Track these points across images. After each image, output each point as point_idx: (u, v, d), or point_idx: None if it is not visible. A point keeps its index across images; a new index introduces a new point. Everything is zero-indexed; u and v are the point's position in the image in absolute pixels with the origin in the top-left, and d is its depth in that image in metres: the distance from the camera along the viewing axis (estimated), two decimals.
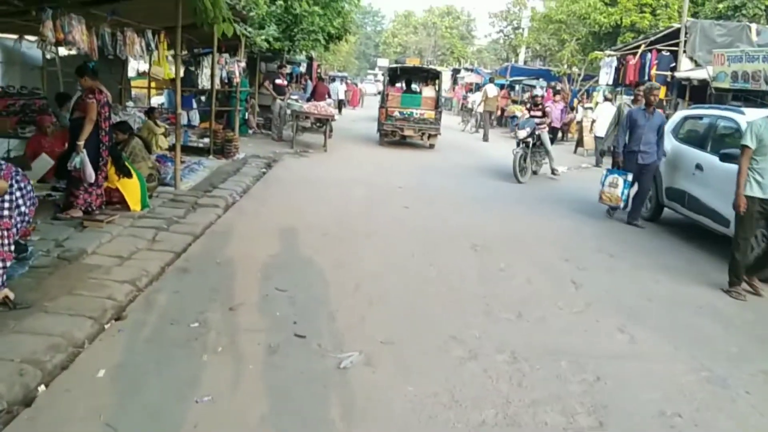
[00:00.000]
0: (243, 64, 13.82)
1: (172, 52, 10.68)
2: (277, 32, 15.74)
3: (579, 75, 26.54)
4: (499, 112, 23.64)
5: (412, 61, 21.53)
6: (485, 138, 19.68)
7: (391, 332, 4.13)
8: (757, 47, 14.44)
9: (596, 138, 15.18)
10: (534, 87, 23.72)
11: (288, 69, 22.01)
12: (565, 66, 26.89)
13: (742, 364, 4.08)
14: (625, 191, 8.01)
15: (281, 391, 3.29)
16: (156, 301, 4.39)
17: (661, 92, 14.87)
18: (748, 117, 6.89)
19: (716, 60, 12.19)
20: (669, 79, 15.04)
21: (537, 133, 11.60)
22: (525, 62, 36.55)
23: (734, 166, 6.53)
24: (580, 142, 17.26)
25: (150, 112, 11.86)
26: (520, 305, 4.84)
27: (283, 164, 11.71)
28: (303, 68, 25.49)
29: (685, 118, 8.43)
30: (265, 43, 15.26)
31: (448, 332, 4.20)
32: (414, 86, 17.97)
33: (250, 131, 15.98)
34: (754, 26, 14.89)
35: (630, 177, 8.01)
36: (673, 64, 15.03)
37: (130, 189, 6.85)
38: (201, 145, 12.36)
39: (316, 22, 15.93)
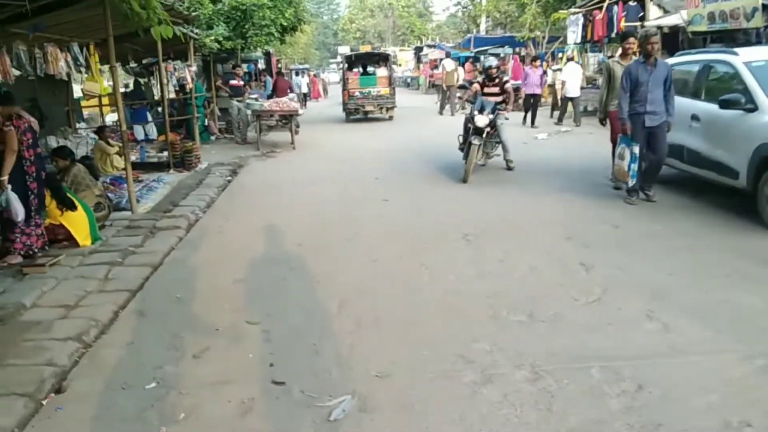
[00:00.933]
0: (194, 69, 12.98)
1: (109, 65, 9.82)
2: (227, 31, 14.94)
3: (543, 38, 25.96)
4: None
5: (364, 48, 23.89)
6: (451, 113, 19.70)
7: (386, 361, 3.47)
8: None
9: (565, 99, 15.49)
10: (498, 55, 23.25)
11: (244, 68, 21.17)
12: (528, 30, 26.24)
13: None
14: (633, 165, 6.64)
15: None
16: (105, 360, 3.69)
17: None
18: (743, 57, 6.32)
19: (690, 2, 11.61)
20: (638, 29, 14.45)
21: (499, 122, 8.97)
22: (486, 32, 35.86)
23: (736, 112, 6.01)
24: (555, 106, 16.72)
25: (100, 131, 11.02)
26: (529, 302, 4.22)
27: (249, 169, 10.96)
28: (262, 65, 24.57)
29: (672, 67, 7.82)
30: (215, 44, 14.44)
31: (454, 350, 3.56)
32: (370, 69, 20.30)
33: (213, 137, 15.17)
34: None
35: (636, 149, 6.62)
36: (642, 14, 14.46)
37: (76, 222, 6.11)
38: (161, 159, 11.58)
39: (267, 16, 15.12)
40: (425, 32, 60.67)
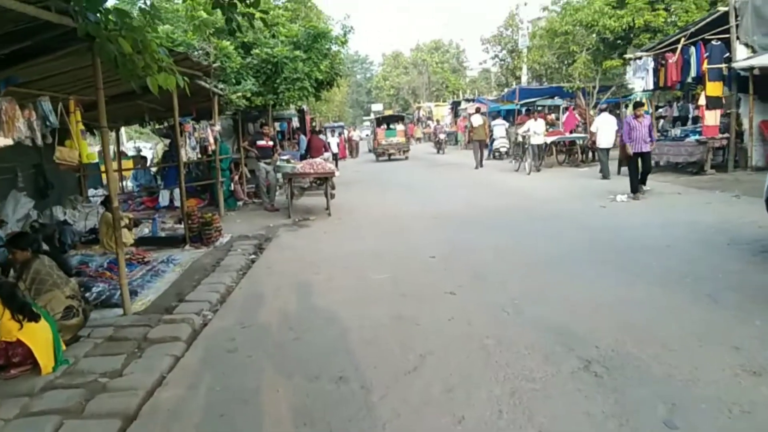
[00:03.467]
0: (218, 128, 11.56)
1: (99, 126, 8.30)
2: (257, 86, 13.57)
3: (594, 87, 24.26)
4: (488, 140, 22.76)
5: (388, 112, 37.09)
6: (480, 165, 20.07)
7: None
8: None
9: (600, 150, 14.71)
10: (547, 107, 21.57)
11: (276, 126, 19.92)
12: (578, 80, 24.58)
13: None
14: None
15: None
16: None
17: (718, 88, 12.51)
18: None
19: None
20: (725, 72, 12.60)
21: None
22: (528, 83, 34.46)
23: None
24: (623, 161, 14.76)
25: (106, 201, 9.50)
26: None
27: (278, 243, 9.24)
28: (295, 123, 23.36)
29: None
30: (243, 101, 13.06)
31: None
32: (391, 125, 29.65)
33: (240, 203, 13.64)
34: None
35: None
36: (727, 54, 12.62)
37: (39, 338, 4.41)
38: (179, 232, 10.01)
39: (300, 69, 13.75)
40: (460, 87, 59.91)
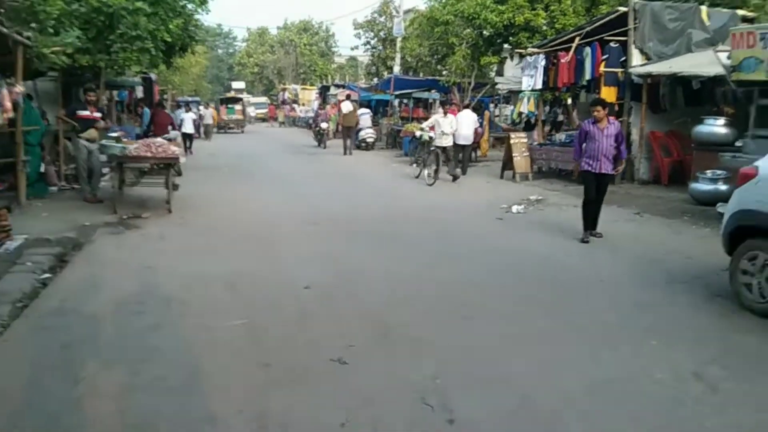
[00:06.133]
0: (20, 89, 8.59)
1: None
2: (84, 41, 10.59)
3: (469, 84, 23.51)
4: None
5: (229, 95, 42.83)
6: (348, 152, 20.34)
7: None
8: (711, 32, 11.86)
9: (456, 146, 13.88)
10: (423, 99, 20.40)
11: (115, 95, 16.72)
12: (454, 75, 23.66)
13: None
14: None
15: None
16: None
17: (612, 94, 11.79)
18: None
19: (737, 41, 8.81)
20: (621, 78, 11.87)
21: None
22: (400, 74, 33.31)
23: None
24: (508, 165, 13.74)
25: None
26: None
27: (91, 254, 6.73)
28: (140, 93, 20.05)
29: None
30: (63, 57, 10.04)
31: None
32: (230, 105, 37.37)
33: (54, 189, 10.64)
34: (704, 8, 12.18)
35: None
36: (624, 58, 11.89)
37: None
38: None
39: (142, 24, 10.98)
40: (328, 72, 58.07)
